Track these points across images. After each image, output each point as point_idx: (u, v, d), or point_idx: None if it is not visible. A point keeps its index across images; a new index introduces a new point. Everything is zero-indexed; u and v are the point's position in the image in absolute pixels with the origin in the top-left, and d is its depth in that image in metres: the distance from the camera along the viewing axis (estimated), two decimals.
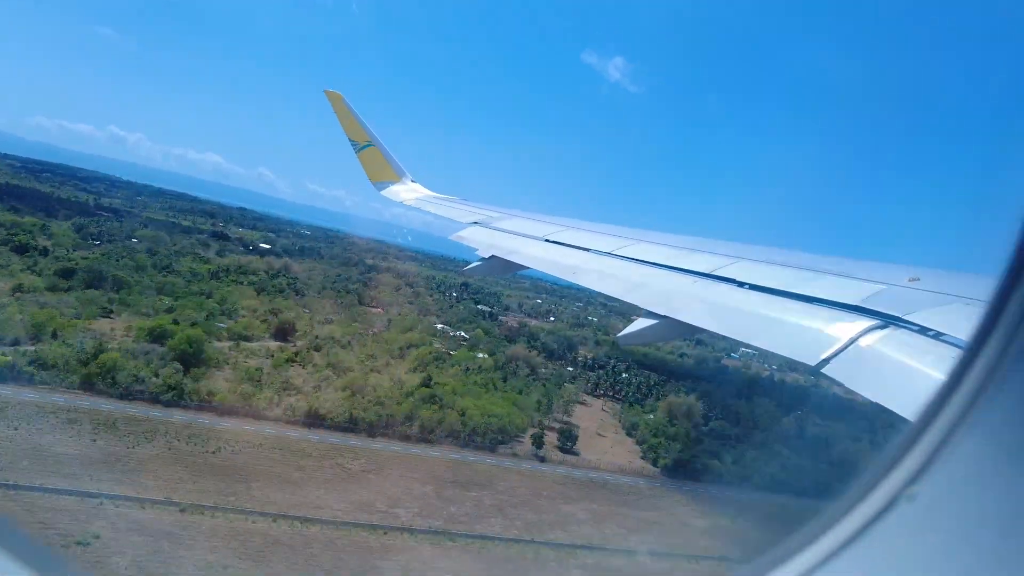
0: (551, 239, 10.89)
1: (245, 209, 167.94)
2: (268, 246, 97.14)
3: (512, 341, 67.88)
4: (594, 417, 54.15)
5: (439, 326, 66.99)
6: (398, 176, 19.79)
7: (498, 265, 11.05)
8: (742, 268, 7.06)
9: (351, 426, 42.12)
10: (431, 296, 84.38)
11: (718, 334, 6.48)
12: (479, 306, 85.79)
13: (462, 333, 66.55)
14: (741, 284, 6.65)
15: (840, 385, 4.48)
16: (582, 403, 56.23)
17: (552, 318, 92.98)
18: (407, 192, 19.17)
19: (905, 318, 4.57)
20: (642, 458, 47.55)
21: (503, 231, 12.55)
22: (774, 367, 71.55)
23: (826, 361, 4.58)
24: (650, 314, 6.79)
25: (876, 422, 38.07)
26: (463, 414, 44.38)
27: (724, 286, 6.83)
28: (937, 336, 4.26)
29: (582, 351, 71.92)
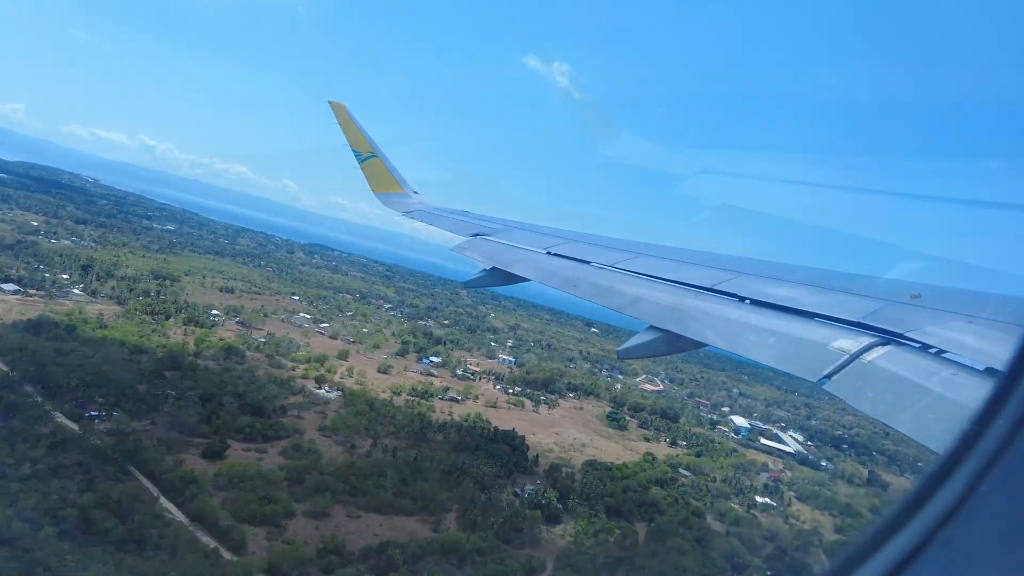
0: (553, 251, 10.91)
1: (165, 205, 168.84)
2: None
3: None
4: None
5: None
6: (401, 187, 19.86)
7: (498, 277, 11.06)
8: (743, 283, 7.08)
9: None
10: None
11: (720, 348, 6.49)
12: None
13: None
14: (743, 299, 6.67)
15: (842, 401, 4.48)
16: None
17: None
18: (408, 203, 19.25)
19: (906, 335, 4.59)
20: None
21: (504, 244, 12.57)
22: None
23: (828, 377, 4.59)
24: (652, 328, 6.80)
25: None
26: None
27: (725, 300, 6.85)
28: (939, 354, 4.27)
29: None
